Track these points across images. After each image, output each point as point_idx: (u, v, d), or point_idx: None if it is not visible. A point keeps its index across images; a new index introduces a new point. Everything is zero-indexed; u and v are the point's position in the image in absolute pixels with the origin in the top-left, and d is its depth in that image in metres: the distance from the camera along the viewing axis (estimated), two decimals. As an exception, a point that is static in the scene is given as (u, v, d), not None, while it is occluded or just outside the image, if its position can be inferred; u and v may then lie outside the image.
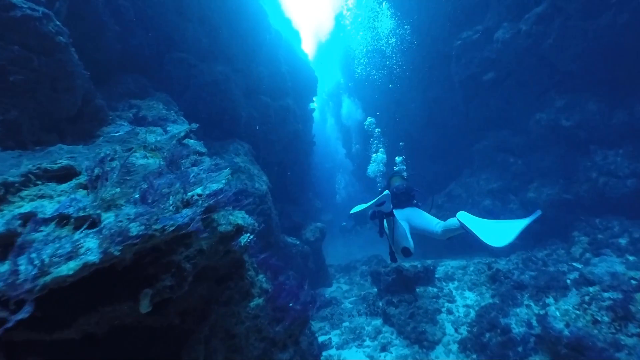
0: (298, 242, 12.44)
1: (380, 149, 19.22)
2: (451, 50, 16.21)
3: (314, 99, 23.12)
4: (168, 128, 7.46)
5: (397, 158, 15.24)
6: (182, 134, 5.98)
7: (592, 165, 12.37)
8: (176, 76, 10.71)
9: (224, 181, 3.57)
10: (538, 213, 4.53)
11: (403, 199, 6.17)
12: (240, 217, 4.58)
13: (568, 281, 8.81)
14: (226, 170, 3.90)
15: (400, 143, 19.83)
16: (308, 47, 27.85)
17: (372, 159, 18.51)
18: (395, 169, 14.97)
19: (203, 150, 7.12)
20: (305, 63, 20.11)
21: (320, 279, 14.41)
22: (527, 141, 14.68)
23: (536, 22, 12.95)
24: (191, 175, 3.42)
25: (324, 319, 10.97)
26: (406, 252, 5.30)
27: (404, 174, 8.20)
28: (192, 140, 7.39)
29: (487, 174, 16.12)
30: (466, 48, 15.45)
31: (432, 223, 5.57)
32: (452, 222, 5.02)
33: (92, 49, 9.23)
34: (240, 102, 11.83)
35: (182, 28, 10.97)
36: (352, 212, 5.67)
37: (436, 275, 12.58)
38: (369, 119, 21.23)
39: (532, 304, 8.50)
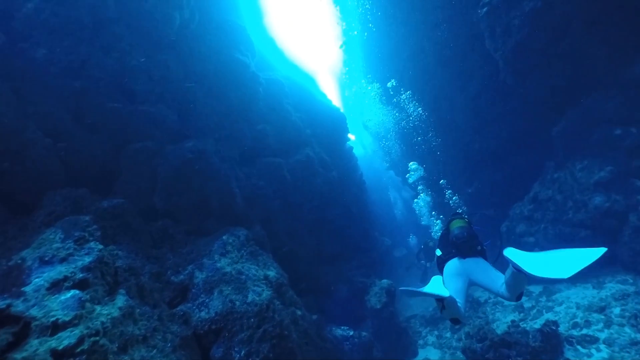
0: (352, 333, 8.18)
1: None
2: (477, 26, 11.36)
3: (350, 136, 19.17)
4: (32, 279, 3.96)
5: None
6: None
7: None
8: (138, 171, 7.48)
9: None
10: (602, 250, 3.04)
11: (465, 248, 4.72)
12: None
13: None
14: None
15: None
16: (331, 87, 24.38)
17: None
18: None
19: (68, 316, 3.43)
20: (324, 104, 16.41)
21: (399, 352, 9.81)
22: (636, 98, 9.11)
23: None
24: None
25: None
26: (455, 322, 4.11)
27: (465, 215, 5.76)
28: (67, 293, 3.77)
29: (584, 161, 10.58)
30: (497, 12, 10.48)
31: (498, 282, 4.15)
32: (508, 273, 3.79)
33: (17, 173, 6.42)
34: (229, 178, 8.25)
35: (137, 112, 7.87)
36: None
37: (562, 333, 7.41)
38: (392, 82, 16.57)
39: None
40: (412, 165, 18.19)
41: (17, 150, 6.45)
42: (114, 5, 7.84)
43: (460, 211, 7.46)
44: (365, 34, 17.34)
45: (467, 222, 5.21)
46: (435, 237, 14.10)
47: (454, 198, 15.68)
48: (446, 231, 5.33)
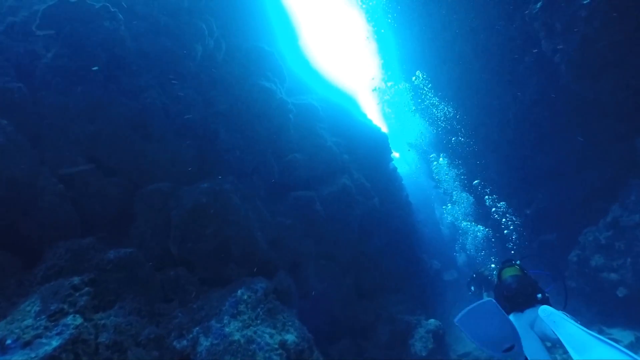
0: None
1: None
2: (530, 26, 9.66)
3: (394, 154, 17.84)
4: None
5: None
6: None
7: None
8: (152, 215, 6.88)
9: None
10: None
11: (520, 300, 3.99)
12: None
13: None
14: None
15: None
16: (372, 105, 23.10)
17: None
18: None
19: None
20: (365, 124, 15.31)
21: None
22: None
23: None
24: None
25: None
26: None
27: (516, 261, 4.90)
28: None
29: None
30: (555, 5, 8.60)
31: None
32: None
33: (28, 221, 6.10)
34: (251, 220, 7.42)
35: (152, 151, 7.36)
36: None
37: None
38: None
39: None
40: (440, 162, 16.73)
41: (29, 199, 6.15)
42: (132, 44, 7.49)
43: (512, 259, 6.01)
44: (402, 48, 16.14)
45: (520, 269, 4.52)
46: (489, 266, 12.25)
47: (499, 205, 13.93)
48: (498, 281, 4.67)
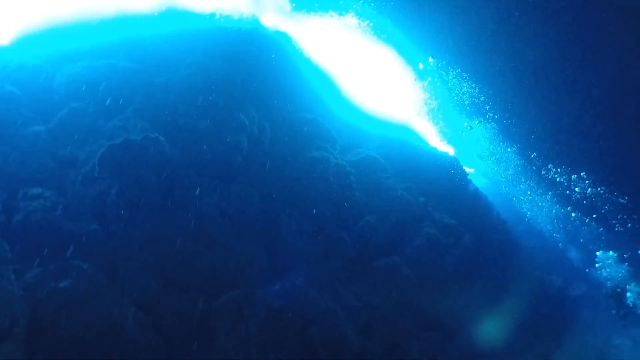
0: None
1: None
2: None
3: (468, 170, 16.01)
4: None
5: None
6: None
7: None
8: (230, 327, 6.51)
9: None
10: None
11: None
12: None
13: None
14: None
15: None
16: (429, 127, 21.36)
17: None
18: None
19: None
20: (431, 153, 14.16)
21: None
22: None
23: None
24: None
25: None
26: None
27: None
28: None
29: None
30: None
31: None
32: None
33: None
34: (334, 312, 6.76)
35: (217, 258, 7.16)
36: None
37: None
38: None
39: None
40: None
41: (114, 332, 6.15)
42: (180, 157, 7.68)
43: None
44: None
45: None
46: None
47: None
48: None
